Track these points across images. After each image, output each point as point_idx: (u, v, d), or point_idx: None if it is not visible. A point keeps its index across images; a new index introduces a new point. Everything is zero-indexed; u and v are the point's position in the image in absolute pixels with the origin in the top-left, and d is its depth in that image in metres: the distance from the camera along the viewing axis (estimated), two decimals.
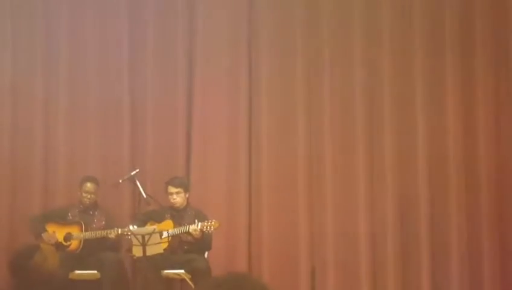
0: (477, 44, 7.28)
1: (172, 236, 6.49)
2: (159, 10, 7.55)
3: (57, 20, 7.55)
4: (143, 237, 6.09)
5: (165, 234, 6.42)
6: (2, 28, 7.50)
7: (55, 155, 7.46)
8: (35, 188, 7.40)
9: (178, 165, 7.40)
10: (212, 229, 6.41)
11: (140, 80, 7.55)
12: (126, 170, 7.19)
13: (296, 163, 7.34)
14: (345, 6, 7.41)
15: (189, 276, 6.49)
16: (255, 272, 7.18)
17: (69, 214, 6.88)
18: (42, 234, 6.71)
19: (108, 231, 6.61)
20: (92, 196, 6.89)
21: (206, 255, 6.70)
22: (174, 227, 6.54)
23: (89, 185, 6.89)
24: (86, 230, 6.73)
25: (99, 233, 6.68)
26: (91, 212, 6.91)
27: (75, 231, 6.76)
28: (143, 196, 6.82)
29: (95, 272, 6.67)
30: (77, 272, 6.62)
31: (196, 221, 6.45)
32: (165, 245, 6.39)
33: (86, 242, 6.70)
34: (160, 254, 6.26)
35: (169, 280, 6.75)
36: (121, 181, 6.96)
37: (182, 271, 6.52)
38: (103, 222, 6.85)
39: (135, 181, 6.89)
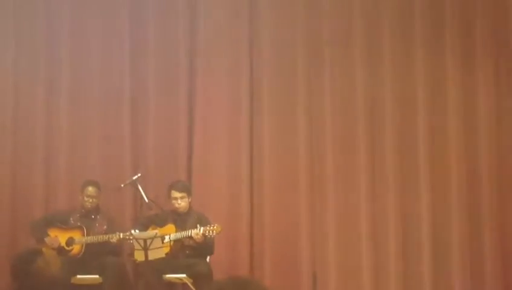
0: (478, 43, 7.30)
1: (174, 240, 6.48)
2: (160, 10, 7.56)
3: (59, 20, 7.57)
4: (145, 241, 6.09)
5: (166, 239, 6.42)
6: (3, 28, 7.51)
7: (56, 159, 7.47)
8: (36, 192, 7.40)
9: (180, 169, 7.40)
10: (214, 234, 6.41)
11: (141, 82, 7.55)
12: (128, 174, 7.19)
13: (298, 165, 7.34)
14: (345, 6, 7.41)
15: (191, 280, 6.48)
16: (256, 275, 7.17)
17: (71, 219, 6.87)
18: (45, 239, 6.71)
19: (110, 236, 6.61)
20: (94, 200, 6.89)
21: (208, 259, 6.70)
22: (176, 231, 6.54)
23: (90, 189, 6.89)
24: (87, 234, 6.73)
25: (101, 237, 6.67)
26: (93, 217, 6.91)
27: (77, 235, 6.76)
28: (145, 201, 6.82)
29: (97, 276, 6.66)
30: (79, 276, 6.61)
31: (198, 225, 6.44)
32: (167, 249, 6.40)
33: (88, 247, 6.69)
34: (162, 259, 6.26)
35: (171, 284, 6.75)
36: (122, 185, 6.96)
37: (184, 275, 6.51)
38: (105, 226, 6.84)
39: (137, 185, 6.89)
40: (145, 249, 6.07)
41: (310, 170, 7.35)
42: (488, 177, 7.19)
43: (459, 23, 7.31)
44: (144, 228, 6.61)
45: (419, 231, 7.18)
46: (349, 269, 7.21)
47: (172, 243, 6.46)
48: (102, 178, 7.15)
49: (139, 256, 6.17)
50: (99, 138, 7.50)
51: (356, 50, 7.36)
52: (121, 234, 6.54)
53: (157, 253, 6.16)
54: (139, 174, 7.00)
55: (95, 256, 6.69)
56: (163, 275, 6.53)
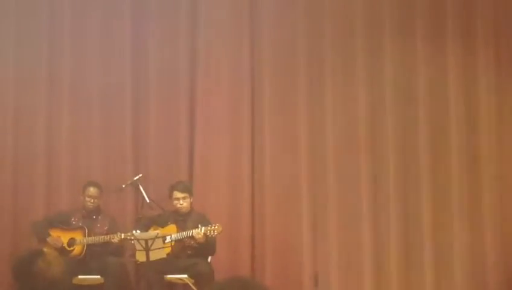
0: (479, 41, 7.28)
1: (176, 241, 6.49)
2: (161, 10, 7.56)
3: (60, 19, 7.58)
4: (146, 241, 6.09)
5: (168, 239, 6.42)
6: (5, 27, 7.51)
7: (58, 160, 7.48)
8: (38, 193, 7.41)
9: (181, 170, 7.41)
10: (215, 234, 6.41)
11: (142, 83, 7.56)
12: (129, 174, 7.20)
13: (299, 165, 7.34)
14: (347, 5, 7.41)
15: (192, 281, 6.49)
16: (257, 276, 7.18)
17: (72, 219, 6.88)
18: (47, 239, 6.72)
19: (112, 236, 6.62)
20: (95, 200, 6.90)
21: (209, 259, 6.70)
22: (178, 232, 6.54)
23: (92, 189, 6.89)
24: (89, 235, 6.73)
25: (102, 238, 6.68)
26: (94, 217, 6.91)
27: (78, 236, 6.77)
28: (146, 201, 6.82)
29: (99, 277, 6.67)
30: (80, 277, 6.61)
31: (200, 226, 6.44)
32: (168, 250, 6.40)
33: (89, 247, 6.70)
34: (164, 259, 6.26)
35: (173, 284, 6.75)
36: (124, 186, 6.97)
37: (185, 276, 6.51)
38: (106, 227, 6.85)
39: (138, 186, 6.90)
40: (147, 249, 6.07)
41: (311, 171, 7.35)
42: (489, 177, 7.19)
43: (461, 22, 7.30)
44: (146, 228, 6.61)
45: (420, 232, 7.17)
46: (350, 270, 7.20)
47: (173, 243, 6.46)
48: (104, 179, 7.17)
49: (141, 256, 6.17)
50: (101, 139, 7.51)
51: (357, 49, 7.35)
52: (123, 235, 6.55)
53: (159, 253, 6.16)
54: (141, 175, 7.00)
55: (96, 256, 6.70)
56: (165, 276, 6.54)
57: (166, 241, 6.35)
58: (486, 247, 7.11)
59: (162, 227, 6.63)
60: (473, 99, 7.28)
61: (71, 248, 6.74)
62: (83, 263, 6.66)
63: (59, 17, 7.59)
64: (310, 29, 7.44)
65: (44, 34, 7.54)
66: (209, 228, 6.40)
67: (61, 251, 6.60)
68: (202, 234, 6.38)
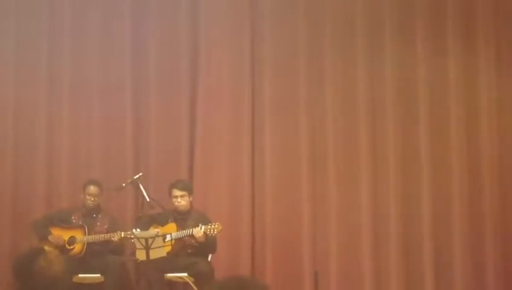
0: (480, 41, 7.29)
1: (176, 239, 6.49)
2: (162, 9, 7.56)
3: (60, 18, 7.58)
4: (146, 240, 6.10)
5: (168, 238, 6.42)
6: (5, 25, 7.52)
7: (58, 158, 7.48)
8: (38, 191, 7.42)
9: (181, 169, 7.41)
10: (215, 233, 6.41)
11: (143, 82, 7.57)
12: (129, 173, 7.20)
13: (299, 163, 7.35)
14: (347, 6, 7.41)
15: (192, 279, 6.49)
16: (258, 274, 7.18)
17: (73, 218, 6.89)
18: (49, 237, 6.72)
19: (112, 235, 6.62)
20: (96, 199, 6.90)
21: (209, 258, 6.71)
22: (178, 230, 6.54)
23: (92, 188, 6.90)
24: (89, 233, 6.74)
25: (102, 236, 6.68)
26: (94, 216, 6.92)
27: (78, 234, 6.77)
28: (146, 200, 6.82)
29: (99, 275, 6.68)
30: (81, 275, 6.61)
31: (200, 224, 6.45)
32: (168, 249, 6.40)
33: (89, 246, 6.71)
34: (164, 258, 6.27)
35: (173, 283, 6.76)
36: (124, 185, 6.97)
37: (185, 274, 6.51)
38: (106, 226, 6.85)
39: (138, 185, 6.90)
40: (147, 248, 6.07)
41: (311, 169, 7.36)
42: (490, 177, 7.19)
43: (461, 21, 7.31)
44: (146, 227, 6.61)
45: (420, 230, 7.18)
46: (350, 268, 7.21)
47: (173, 242, 6.46)
48: (104, 177, 7.17)
49: (141, 255, 6.17)
50: (101, 138, 7.51)
51: (357, 49, 7.36)
52: (123, 233, 6.55)
53: (159, 252, 6.17)
54: (141, 174, 7.01)
55: (96, 255, 6.71)
56: (165, 274, 6.54)
57: (166, 240, 6.35)
58: (486, 247, 7.11)
59: (162, 226, 6.63)
60: (473, 99, 7.29)
61: (71, 247, 6.74)
62: (83, 262, 6.66)
63: (59, 17, 7.59)
64: (310, 29, 7.44)
65: (44, 34, 7.54)
66: (209, 226, 6.40)
67: (62, 249, 6.60)
68: (202, 232, 6.39)
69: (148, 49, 7.57)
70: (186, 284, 6.61)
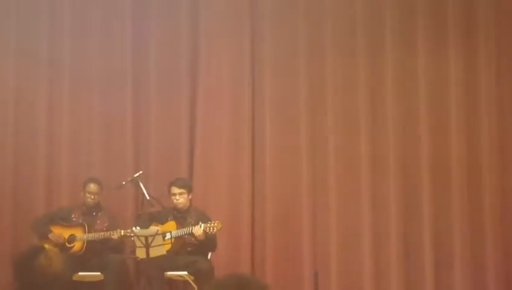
0: (480, 43, 7.29)
1: (176, 238, 6.49)
2: (162, 8, 7.56)
3: (61, 17, 7.58)
4: (146, 238, 6.10)
5: (168, 236, 6.42)
6: (5, 24, 7.51)
7: (58, 156, 7.48)
8: (38, 189, 7.42)
9: (181, 167, 7.42)
10: (214, 231, 6.42)
11: (143, 80, 7.57)
12: (129, 171, 7.21)
13: (299, 161, 7.35)
14: (347, 6, 7.41)
15: (192, 277, 6.49)
16: (258, 273, 7.19)
17: (73, 216, 6.89)
18: (49, 235, 6.73)
19: (112, 233, 6.62)
20: (96, 197, 6.90)
21: (209, 256, 6.71)
22: (177, 228, 6.55)
23: (92, 186, 6.90)
24: (89, 232, 6.74)
25: (102, 234, 6.69)
26: (94, 214, 6.92)
27: (78, 232, 6.77)
28: (146, 198, 6.82)
29: (98, 273, 6.68)
30: (80, 273, 6.62)
31: (200, 223, 6.45)
32: (168, 247, 6.41)
33: (89, 244, 6.71)
34: (163, 256, 6.27)
35: (173, 281, 6.76)
36: (124, 183, 6.97)
37: (185, 273, 6.52)
38: (106, 224, 6.86)
39: (138, 183, 6.90)
40: (147, 246, 6.07)
41: (311, 167, 7.36)
42: (490, 178, 7.19)
43: (462, 22, 7.30)
44: (145, 225, 6.62)
45: (420, 229, 7.18)
46: (350, 272, 7.21)
47: (173, 240, 6.47)
48: (104, 175, 7.18)
49: (141, 253, 6.17)
50: (101, 136, 7.52)
51: (358, 49, 7.35)
52: (122, 231, 6.56)
53: (159, 250, 6.17)
54: (141, 172, 7.01)
55: (96, 253, 6.71)
56: (165, 272, 6.55)
57: (166, 238, 6.36)
58: (486, 247, 7.11)
59: (162, 224, 6.63)
60: (473, 99, 7.28)
61: (71, 245, 6.75)
62: (83, 260, 6.67)
63: (59, 18, 7.58)
64: (310, 29, 7.43)
65: (44, 34, 7.53)
66: (208, 225, 6.40)
67: (61, 247, 6.61)
68: (202, 231, 6.39)
69: (149, 48, 7.57)
70: (186, 282, 6.62)
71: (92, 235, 6.71)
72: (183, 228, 6.52)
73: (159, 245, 6.15)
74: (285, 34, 7.46)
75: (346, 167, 7.31)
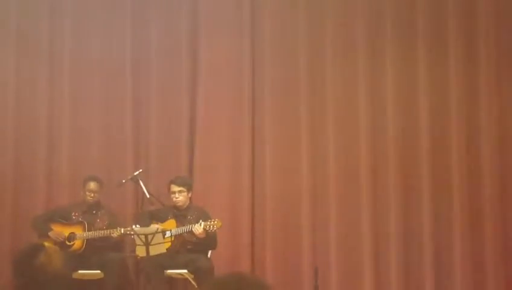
0: (481, 46, 7.28)
1: (176, 236, 6.49)
2: (162, 8, 7.56)
3: (61, 17, 7.57)
4: (146, 236, 6.10)
5: (168, 234, 6.42)
6: (5, 24, 7.50)
7: (58, 154, 7.48)
8: (38, 187, 7.41)
9: (181, 165, 7.42)
10: (215, 229, 6.42)
11: (143, 79, 7.56)
12: (129, 169, 7.21)
13: (300, 164, 7.34)
14: (348, 8, 7.40)
15: (192, 276, 6.49)
16: (258, 271, 7.19)
17: (72, 214, 6.89)
18: (49, 233, 6.73)
19: (112, 231, 6.63)
20: (95, 195, 6.90)
21: (209, 254, 6.71)
22: (177, 227, 6.55)
23: (92, 184, 6.90)
24: (89, 230, 6.74)
25: (102, 233, 6.69)
26: (94, 212, 6.92)
27: (78, 230, 6.78)
28: (146, 196, 6.83)
29: (98, 271, 6.68)
30: (80, 271, 6.62)
31: (200, 221, 6.45)
32: (168, 245, 6.40)
33: (89, 242, 6.71)
34: (163, 254, 6.27)
35: (173, 279, 6.76)
36: (124, 181, 6.97)
37: (185, 271, 6.52)
38: (106, 222, 6.86)
39: (138, 181, 6.90)
40: (147, 244, 6.08)
41: (311, 166, 7.36)
42: (491, 178, 7.19)
43: (462, 22, 7.30)
44: (146, 223, 6.62)
45: (420, 230, 7.18)
46: (350, 268, 7.21)
47: (173, 238, 6.47)
48: (104, 173, 7.18)
49: (141, 251, 6.17)
50: (101, 134, 7.51)
51: (358, 49, 7.34)
52: (122, 230, 6.56)
53: (159, 248, 6.17)
54: (141, 170, 7.01)
55: (96, 251, 6.71)
56: (165, 271, 6.55)
57: (166, 237, 6.36)
58: (486, 247, 7.11)
59: (162, 222, 6.63)
60: (474, 100, 7.28)
61: (71, 243, 6.75)
62: (83, 258, 6.67)
63: (60, 15, 7.57)
64: (311, 30, 7.43)
65: (44, 33, 7.53)
66: (208, 223, 6.40)
67: (61, 245, 6.61)
68: (202, 229, 6.39)
69: (149, 47, 7.56)
70: (186, 280, 6.62)
71: (92, 234, 6.71)
72: (183, 226, 6.52)
73: (159, 243, 6.15)
74: (285, 34, 7.46)
75: (346, 166, 7.31)
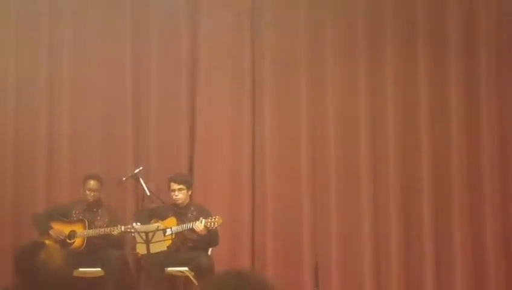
0: (481, 50, 7.30)
1: (176, 233, 6.50)
2: (162, 10, 7.56)
3: (61, 17, 7.57)
4: (147, 234, 6.11)
5: (168, 232, 6.43)
6: (5, 23, 7.51)
7: (59, 153, 7.48)
8: (38, 186, 7.42)
9: (181, 163, 7.42)
10: (215, 226, 6.42)
11: (143, 79, 7.56)
12: (130, 167, 7.21)
13: (300, 163, 7.35)
14: (348, 9, 7.41)
15: (193, 273, 6.50)
16: (258, 268, 7.20)
17: (73, 212, 6.90)
18: (50, 231, 6.74)
19: (112, 229, 6.63)
20: (96, 193, 6.90)
21: (209, 252, 6.72)
22: (178, 224, 6.56)
23: (92, 182, 6.90)
24: (89, 228, 6.75)
25: (102, 231, 6.69)
26: (95, 210, 6.93)
27: (78, 228, 6.78)
28: (146, 194, 6.84)
29: (99, 269, 6.69)
30: (81, 269, 6.62)
31: (200, 218, 6.46)
32: (169, 243, 6.41)
33: (90, 240, 6.72)
34: (164, 252, 6.28)
35: (173, 277, 6.77)
36: (124, 179, 6.98)
37: (186, 268, 6.53)
38: (107, 220, 6.86)
39: (139, 179, 6.91)
40: (147, 242, 6.09)
41: (312, 164, 7.37)
42: (491, 179, 7.20)
43: (462, 24, 7.31)
44: (146, 221, 6.63)
45: (420, 227, 7.19)
46: (351, 264, 7.22)
47: (173, 236, 6.48)
48: (104, 171, 7.17)
49: (141, 249, 6.19)
50: (102, 132, 7.52)
51: (358, 49, 7.35)
52: (123, 227, 6.56)
53: (159, 246, 6.18)
54: (141, 168, 7.02)
55: (97, 249, 6.72)
56: (165, 268, 6.56)
57: (166, 234, 6.37)
58: (486, 247, 7.12)
59: (162, 220, 6.64)
60: (474, 100, 7.29)
61: (72, 241, 6.76)
62: (84, 256, 6.66)
63: (59, 15, 7.58)
64: (311, 30, 7.43)
65: (44, 32, 7.53)
66: (209, 220, 6.41)
67: (62, 243, 6.62)
68: (203, 226, 6.40)
69: (149, 45, 7.56)
70: (186, 278, 6.63)
71: (92, 232, 6.71)
72: (183, 223, 6.53)
73: (160, 241, 6.17)
74: (285, 34, 7.46)
75: (346, 165, 7.32)
